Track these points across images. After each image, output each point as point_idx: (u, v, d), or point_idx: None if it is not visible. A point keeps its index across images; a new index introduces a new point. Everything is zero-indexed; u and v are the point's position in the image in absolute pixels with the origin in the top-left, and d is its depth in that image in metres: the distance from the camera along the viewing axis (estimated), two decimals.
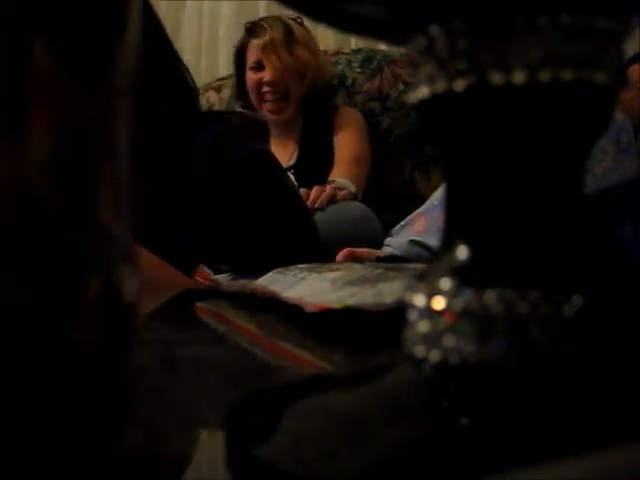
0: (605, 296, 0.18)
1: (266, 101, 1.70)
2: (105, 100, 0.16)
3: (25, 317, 0.14)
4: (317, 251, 0.85)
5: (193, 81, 0.96)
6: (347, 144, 1.68)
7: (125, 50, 0.16)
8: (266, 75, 1.68)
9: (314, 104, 1.72)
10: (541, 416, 0.17)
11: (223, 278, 0.85)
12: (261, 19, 1.77)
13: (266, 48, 1.67)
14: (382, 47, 1.90)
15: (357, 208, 1.42)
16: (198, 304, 0.63)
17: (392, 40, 0.23)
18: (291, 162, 1.68)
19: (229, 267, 0.89)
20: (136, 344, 0.17)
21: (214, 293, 0.64)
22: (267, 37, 1.67)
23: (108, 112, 0.16)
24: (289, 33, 1.68)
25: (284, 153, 1.68)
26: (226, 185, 0.83)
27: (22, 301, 0.14)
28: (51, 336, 0.14)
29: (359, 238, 1.25)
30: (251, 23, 1.75)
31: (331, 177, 1.59)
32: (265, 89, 1.69)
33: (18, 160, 0.14)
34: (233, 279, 0.85)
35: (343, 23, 0.23)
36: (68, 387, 0.15)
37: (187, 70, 0.93)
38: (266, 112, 1.70)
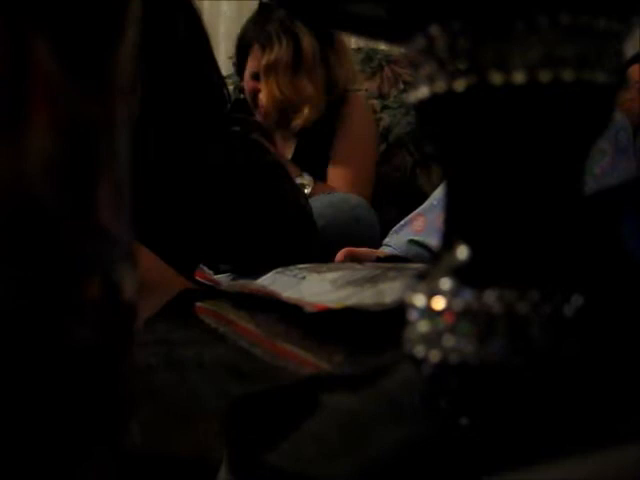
0: (605, 296, 0.18)
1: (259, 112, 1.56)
2: (105, 100, 0.16)
3: (24, 317, 0.14)
4: (318, 255, 0.85)
5: (227, 92, 0.95)
6: (351, 145, 1.56)
7: (125, 50, 0.16)
8: (262, 97, 1.52)
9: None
10: (541, 416, 0.17)
11: (223, 278, 0.85)
12: (273, 23, 1.52)
13: (268, 69, 1.49)
14: (382, 47, 1.90)
15: (357, 203, 1.38)
16: (198, 304, 0.63)
17: (392, 40, 0.23)
18: (288, 156, 1.58)
19: (229, 267, 0.89)
20: (136, 344, 0.17)
21: (214, 293, 0.64)
22: (272, 56, 1.48)
23: (108, 112, 0.16)
24: (298, 56, 1.48)
25: (282, 147, 1.59)
26: (235, 192, 0.83)
27: (21, 301, 0.14)
28: (50, 336, 0.14)
29: (357, 234, 1.23)
30: (261, 19, 1.55)
31: (330, 182, 1.51)
32: (259, 104, 1.55)
33: (17, 160, 0.14)
34: (233, 279, 0.85)
35: (343, 23, 0.23)
36: (67, 388, 0.15)
37: (222, 81, 0.93)
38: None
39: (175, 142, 0.84)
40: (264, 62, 1.50)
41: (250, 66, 1.58)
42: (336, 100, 1.58)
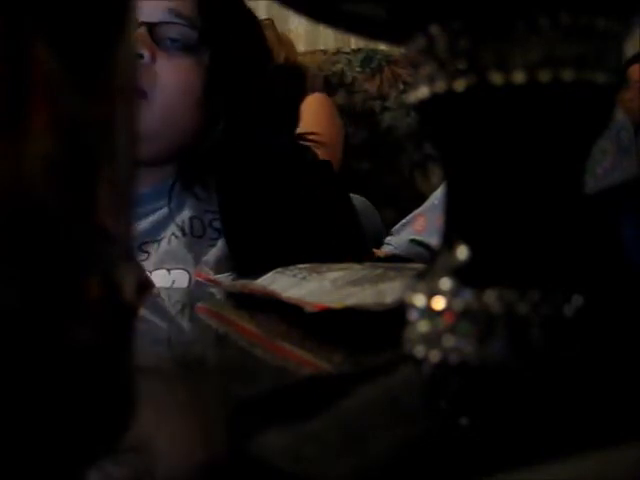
0: (605, 296, 0.18)
1: None
2: (105, 100, 0.16)
3: (24, 317, 0.14)
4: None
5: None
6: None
7: (125, 50, 0.16)
8: None
9: None
10: (541, 416, 0.17)
11: (223, 278, 0.85)
12: None
13: None
14: (382, 47, 1.90)
15: (359, 202, 1.39)
16: (198, 304, 0.63)
17: (392, 40, 0.23)
18: None
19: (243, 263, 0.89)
20: (136, 344, 0.17)
21: (214, 293, 0.64)
22: None
23: (108, 112, 0.16)
24: None
25: None
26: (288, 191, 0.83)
27: (21, 301, 0.14)
28: (50, 336, 0.14)
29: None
30: None
31: None
32: None
33: (17, 160, 0.14)
34: (233, 279, 0.85)
35: (343, 23, 0.23)
36: (67, 388, 0.15)
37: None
38: None
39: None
40: None
41: None
42: None
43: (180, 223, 0.84)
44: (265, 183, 0.82)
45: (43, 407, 0.14)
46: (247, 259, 0.77)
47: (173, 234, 0.83)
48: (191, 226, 0.83)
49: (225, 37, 0.84)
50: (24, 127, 0.14)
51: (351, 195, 1.40)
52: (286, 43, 1.65)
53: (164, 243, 0.83)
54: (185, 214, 0.84)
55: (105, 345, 0.16)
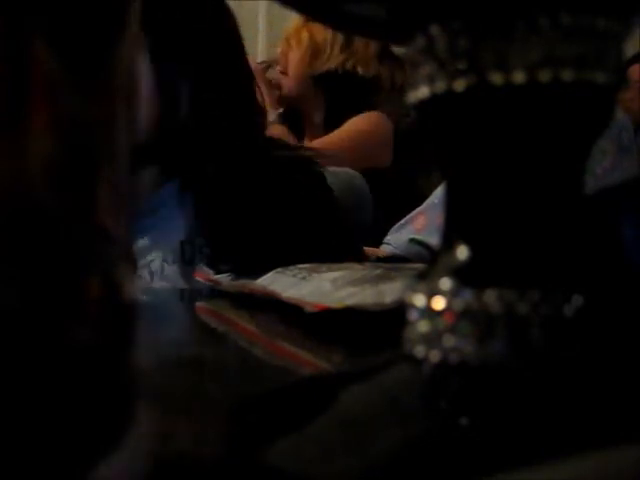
0: (605, 296, 0.18)
1: None
2: (105, 100, 0.16)
3: (24, 317, 0.14)
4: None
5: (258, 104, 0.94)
6: (346, 127, 1.60)
7: (125, 50, 0.16)
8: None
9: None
10: (541, 416, 0.17)
11: (223, 278, 0.85)
12: None
13: None
14: None
15: (347, 175, 1.35)
16: (198, 304, 0.63)
17: (392, 40, 0.23)
18: None
19: (229, 267, 0.89)
20: (136, 344, 0.17)
21: (214, 293, 0.64)
22: None
23: (108, 112, 0.16)
24: None
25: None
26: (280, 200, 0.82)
27: (21, 301, 0.14)
28: (51, 337, 0.14)
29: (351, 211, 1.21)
30: None
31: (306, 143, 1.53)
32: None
33: (17, 160, 0.14)
34: (233, 279, 0.85)
35: (343, 23, 0.23)
36: (67, 387, 0.15)
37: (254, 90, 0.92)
38: None
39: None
40: None
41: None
42: None
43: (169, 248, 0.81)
44: (245, 186, 0.81)
45: (43, 407, 0.14)
46: (232, 264, 0.77)
47: (164, 260, 0.81)
48: (182, 251, 0.81)
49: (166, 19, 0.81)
50: (24, 127, 0.14)
51: (339, 169, 1.37)
52: (356, 50, 1.62)
53: (154, 266, 0.81)
54: (175, 237, 0.82)
55: (105, 345, 0.16)
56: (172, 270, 0.81)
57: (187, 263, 0.81)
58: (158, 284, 0.80)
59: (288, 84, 1.68)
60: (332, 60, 1.60)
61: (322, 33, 1.58)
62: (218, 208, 0.82)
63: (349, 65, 1.59)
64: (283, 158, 0.87)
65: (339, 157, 1.50)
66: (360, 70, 1.59)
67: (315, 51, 1.61)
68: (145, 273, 0.80)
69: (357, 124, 1.63)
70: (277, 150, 0.89)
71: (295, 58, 1.64)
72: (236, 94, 0.86)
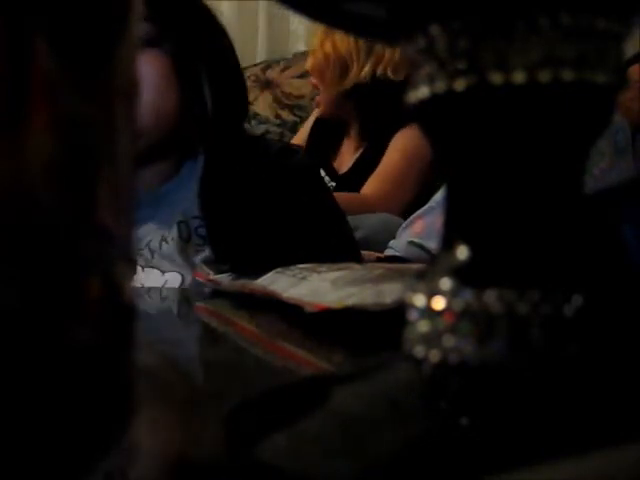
0: (605, 296, 0.18)
1: None
2: (105, 100, 0.16)
3: (24, 317, 0.14)
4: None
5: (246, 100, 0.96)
6: (390, 160, 1.58)
7: (125, 50, 0.16)
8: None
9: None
10: (541, 416, 0.17)
11: (223, 278, 0.85)
12: None
13: None
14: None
15: (381, 218, 1.36)
16: (198, 304, 0.63)
17: (392, 40, 0.23)
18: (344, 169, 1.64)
19: (229, 267, 0.90)
20: (136, 344, 0.17)
21: (214, 293, 0.64)
22: None
23: (108, 112, 0.16)
24: None
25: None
26: (273, 197, 0.84)
27: (21, 301, 0.14)
28: (50, 336, 0.14)
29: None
30: None
31: (362, 191, 1.52)
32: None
33: (17, 160, 0.14)
34: (233, 279, 0.85)
35: (343, 23, 0.23)
36: (67, 388, 0.15)
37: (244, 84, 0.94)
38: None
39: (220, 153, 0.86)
40: None
41: None
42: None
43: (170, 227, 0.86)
44: (248, 187, 0.83)
45: (43, 407, 0.14)
46: (232, 264, 0.78)
47: (163, 238, 0.86)
48: (179, 230, 0.86)
49: (184, 27, 0.85)
50: (24, 127, 0.14)
51: (377, 214, 1.39)
52: (382, 54, 1.60)
53: (154, 245, 0.86)
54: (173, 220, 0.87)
55: (105, 345, 0.16)
56: (170, 247, 0.86)
57: (184, 240, 0.86)
58: (158, 261, 0.85)
59: (324, 101, 1.67)
60: (361, 72, 1.58)
61: (345, 42, 1.56)
62: (218, 208, 0.84)
63: (380, 72, 1.57)
64: (283, 158, 0.88)
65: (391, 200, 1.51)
66: (391, 75, 1.57)
67: (343, 66, 1.58)
68: (146, 252, 0.85)
69: (404, 149, 1.58)
70: (274, 149, 0.90)
71: (326, 78, 1.61)
72: (231, 93, 0.89)
